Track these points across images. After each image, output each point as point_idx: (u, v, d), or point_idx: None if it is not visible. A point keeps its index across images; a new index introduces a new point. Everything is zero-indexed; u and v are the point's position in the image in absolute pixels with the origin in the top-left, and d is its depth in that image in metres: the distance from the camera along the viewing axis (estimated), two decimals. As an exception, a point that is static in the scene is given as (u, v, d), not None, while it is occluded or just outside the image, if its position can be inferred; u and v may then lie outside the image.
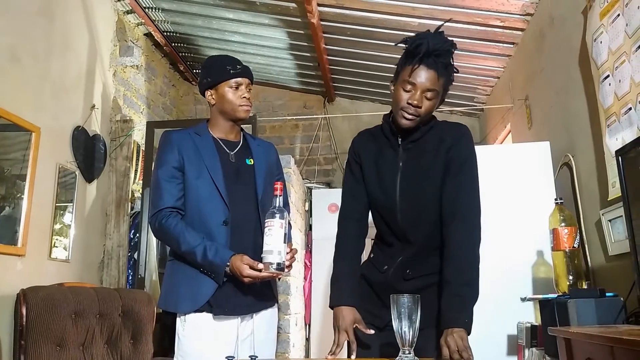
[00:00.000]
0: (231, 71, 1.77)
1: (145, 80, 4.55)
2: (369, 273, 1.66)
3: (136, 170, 3.96)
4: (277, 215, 1.58)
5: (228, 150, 1.81)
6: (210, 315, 1.67)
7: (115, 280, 3.51)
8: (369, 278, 1.65)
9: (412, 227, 1.57)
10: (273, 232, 1.57)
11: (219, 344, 1.66)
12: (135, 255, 3.65)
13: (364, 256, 1.71)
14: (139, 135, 4.10)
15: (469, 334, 1.39)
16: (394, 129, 1.59)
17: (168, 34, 4.55)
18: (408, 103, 1.49)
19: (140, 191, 3.84)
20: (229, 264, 1.62)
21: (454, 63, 1.54)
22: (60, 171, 3.14)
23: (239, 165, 1.81)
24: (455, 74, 1.55)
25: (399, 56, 1.58)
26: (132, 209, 3.83)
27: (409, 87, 1.49)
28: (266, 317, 1.80)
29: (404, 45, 1.53)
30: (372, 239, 1.75)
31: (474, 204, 1.53)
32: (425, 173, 1.56)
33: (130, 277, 3.63)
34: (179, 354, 1.69)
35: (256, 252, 1.63)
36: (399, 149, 1.59)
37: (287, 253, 1.62)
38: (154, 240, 3.77)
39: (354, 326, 1.53)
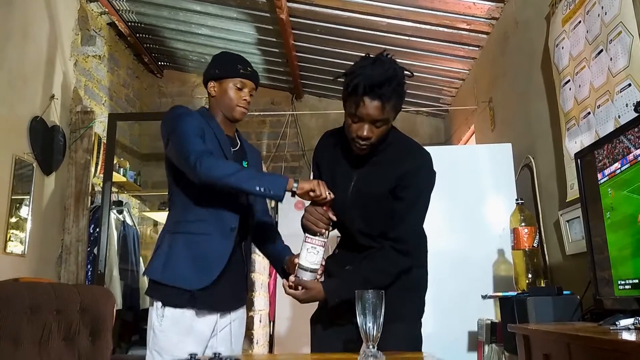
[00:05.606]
0: (241, 70, 1.74)
1: (108, 71, 4.43)
2: (333, 271, 1.69)
3: (97, 164, 3.85)
4: (325, 233, 1.54)
5: (231, 148, 1.76)
6: (192, 311, 1.62)
7: (74, 275, 3.41)
8: (333, 276, 1.67)
9: (363, 237, 1.62)
10: (319, 251, 1.53)
11: (195, 340, 1.62)
12: (95, 251, 3.55)
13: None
14: (100, 127, 3.98)
15: (319, 300, 1.55)
16: None
17: (132, 24, 4.43)
18: (357, 136, 1.48)
19: (101, 185, 3.74)
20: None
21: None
22: (16, 163, 3.03)
23: None
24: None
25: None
26: (92, 203, 3.73)
27: (356, 119, 1.47)
28: (239, 314, 1.79)
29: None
30: (337, 236, 1.76)
31: (417, 235, 1.61)
32: (376, 189, 1.58)
33: (89, 273, 3.54)
34: (154, 349, 1.62)
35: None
36: (355, 161, 1.61)
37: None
38: (114, 236, 3.68)
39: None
